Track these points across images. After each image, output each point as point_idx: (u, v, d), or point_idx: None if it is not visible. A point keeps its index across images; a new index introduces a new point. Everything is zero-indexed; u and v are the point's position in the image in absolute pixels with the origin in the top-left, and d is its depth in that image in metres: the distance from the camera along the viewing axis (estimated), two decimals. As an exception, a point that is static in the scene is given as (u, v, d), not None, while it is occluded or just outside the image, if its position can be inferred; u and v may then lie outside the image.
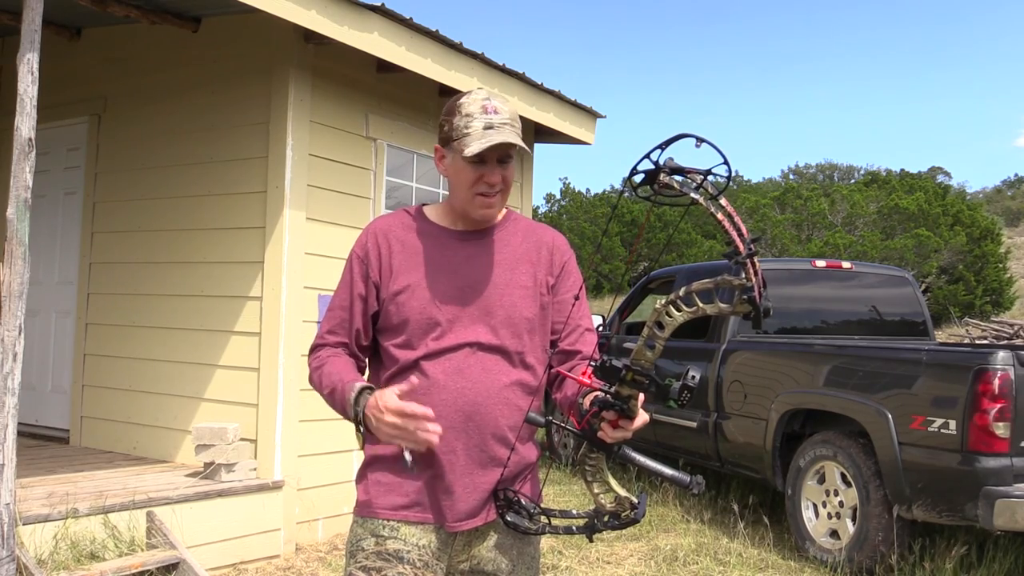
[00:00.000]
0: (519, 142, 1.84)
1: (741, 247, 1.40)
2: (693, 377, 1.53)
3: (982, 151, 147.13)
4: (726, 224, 1.42)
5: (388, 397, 1.73)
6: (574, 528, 1.78)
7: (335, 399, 1.86)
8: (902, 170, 38.89)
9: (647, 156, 1.45)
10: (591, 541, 1.83)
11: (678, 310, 1.46)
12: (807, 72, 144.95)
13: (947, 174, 52.77)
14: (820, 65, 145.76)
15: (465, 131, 1.84)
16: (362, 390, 1.80)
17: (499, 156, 1.86)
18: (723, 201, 1.44)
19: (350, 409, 1.80)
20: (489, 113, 1.84)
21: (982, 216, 28.11)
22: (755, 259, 1.41)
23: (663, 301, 1.48)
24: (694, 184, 1.45)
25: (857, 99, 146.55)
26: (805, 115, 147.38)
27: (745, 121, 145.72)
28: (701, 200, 1.44)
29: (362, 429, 1.81)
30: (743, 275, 1.40)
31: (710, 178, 1.45)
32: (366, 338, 1.97)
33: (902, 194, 27.60)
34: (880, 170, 42.27)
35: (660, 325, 1.48)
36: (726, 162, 1.43)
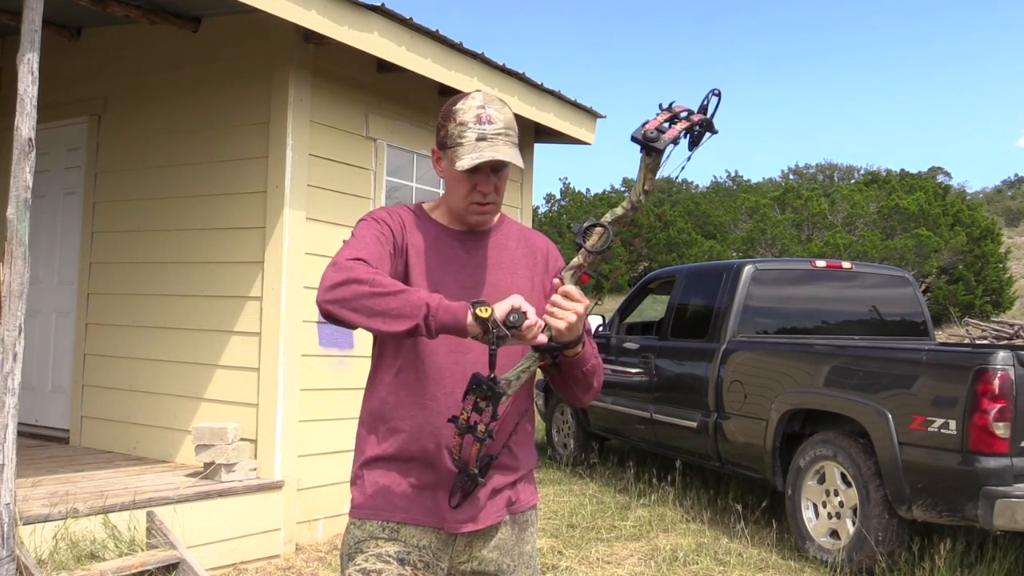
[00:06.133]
0: (511, 158, 1.81)
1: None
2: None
3: (982, 151, 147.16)
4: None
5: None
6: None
7: (402, 300, 1.64)
8: (902, 170, 38.90)
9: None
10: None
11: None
12: (807, 71, 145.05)
13: (947, 174, 52.71)
14: (820, 65, 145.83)
15: (458, 140, 1.82)
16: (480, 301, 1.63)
17: (492, 165, 1.85)
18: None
19: (462, 313, 1.61)
20: (483, 123, 1.81)
21: (982, 216, 28.08)
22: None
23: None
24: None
25: (857, 99, 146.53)
26: (805, 114, 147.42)
27: (745, 120, 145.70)
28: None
29: (494, 330, 1.59)
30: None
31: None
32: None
33: (902, 194, 27.60)
34: (880, 170, 42.28)
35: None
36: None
